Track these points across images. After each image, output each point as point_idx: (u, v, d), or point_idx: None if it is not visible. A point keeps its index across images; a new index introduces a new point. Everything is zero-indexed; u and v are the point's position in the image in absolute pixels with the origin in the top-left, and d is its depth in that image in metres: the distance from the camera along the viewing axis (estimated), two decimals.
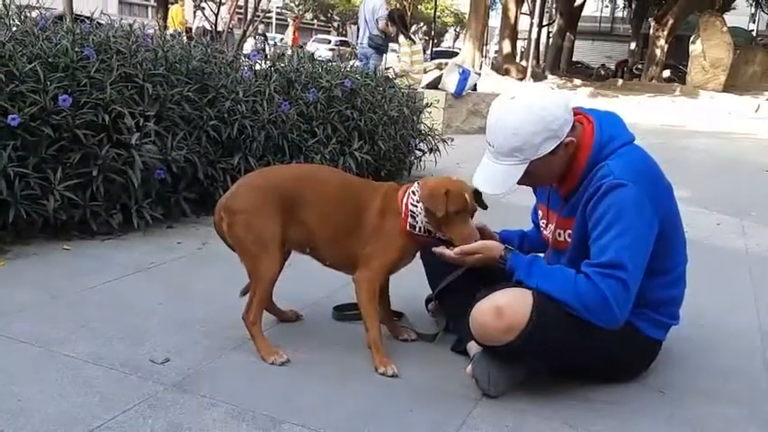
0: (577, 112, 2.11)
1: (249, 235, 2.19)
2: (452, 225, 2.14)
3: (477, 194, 2.22)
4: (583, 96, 17.11)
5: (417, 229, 2.20)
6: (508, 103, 2.03)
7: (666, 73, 25.72)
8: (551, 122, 1.96)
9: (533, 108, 1.98)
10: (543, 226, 2.32)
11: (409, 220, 2.19)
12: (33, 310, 2.48)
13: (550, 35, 34.56)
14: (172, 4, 14.54)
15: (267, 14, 29.94)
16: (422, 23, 51.26)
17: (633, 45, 35.97)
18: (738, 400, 2.16)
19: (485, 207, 2.28)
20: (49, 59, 3.39)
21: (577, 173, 2.05)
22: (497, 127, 2.02)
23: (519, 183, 2.09)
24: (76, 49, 3.50)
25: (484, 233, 2.32)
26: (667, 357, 2.31)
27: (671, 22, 23.11)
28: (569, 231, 2.14)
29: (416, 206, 2.18)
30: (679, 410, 2.07)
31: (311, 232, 2.25)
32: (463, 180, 2.23)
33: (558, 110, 1.99)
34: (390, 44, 8.87)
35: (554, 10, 35.55)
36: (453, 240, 2.15)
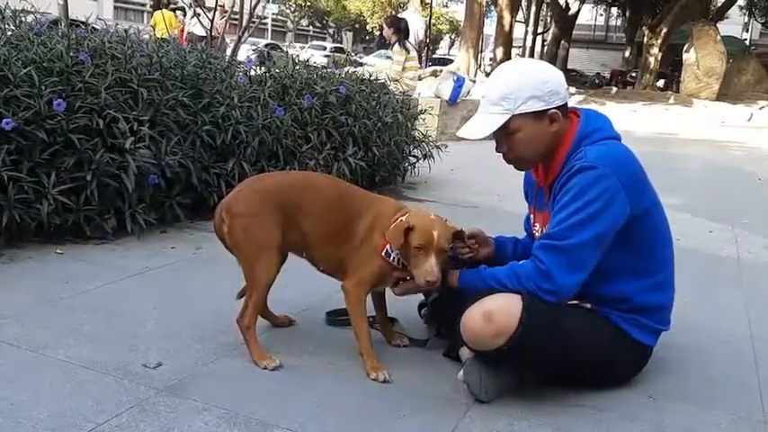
0: (571, 109, 2.17)
1: (248, 238, 2.20)
2: (414, 260, 2.11)
3: (458, 236, 2.25)
4: (576, 103, 17.14)
5: (392, 258, 2.18)
6: (511, 62, 2.26)
7: (660, 83, 25.79)
8: (542, 83, 2.05)
9: (529, 67, 2.14)
10: (535, 230, 2.34)
11: (387, 247, 2.18)
12: (26, 313, 2.48)
13: (545, 43, 34.71)
14: (164, 7, 14.33)
15: (263, 21, 29.92)
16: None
17: (627, 53, 36.13)
18: (728, 408, 2.17)
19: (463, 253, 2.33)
20: (44, 64, 3.40)
21: (560, 160, 2.11)
22: (493, 80, 2.15)
23: (499, 150, 2.16)
24: (71, 53, 3.51)
25: (478, 237, 2.38)
26: (658, 364, 2.32)
27: (664, 30, 23.21)
28: None
29: None
30: (669, 417, 2.08)
31: (307, 238, 2.27)
32: (449, 222, 2.22)
33: (552, 77, 2.08)
34: (386, 50, 8.90)
35: (549, 18, 35.71)
36: (414, 274, 2.14)
